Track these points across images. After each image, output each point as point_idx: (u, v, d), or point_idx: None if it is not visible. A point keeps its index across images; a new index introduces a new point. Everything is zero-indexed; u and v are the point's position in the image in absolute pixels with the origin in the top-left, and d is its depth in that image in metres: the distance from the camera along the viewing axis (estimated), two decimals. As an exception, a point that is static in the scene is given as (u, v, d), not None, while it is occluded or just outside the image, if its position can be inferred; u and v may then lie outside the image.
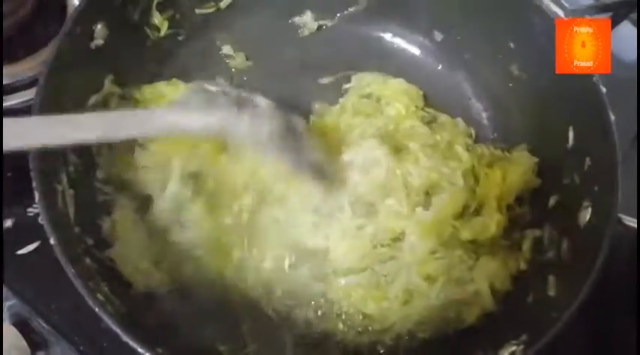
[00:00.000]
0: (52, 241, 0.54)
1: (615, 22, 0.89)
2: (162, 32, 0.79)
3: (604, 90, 0.66)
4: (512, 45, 0.79)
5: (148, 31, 0.78)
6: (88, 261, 0.61)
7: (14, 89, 0.76)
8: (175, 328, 0.68)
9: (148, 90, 0.77)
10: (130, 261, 0.67)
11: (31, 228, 0.72)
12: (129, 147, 0.74)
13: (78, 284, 0.52)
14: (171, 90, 0.78)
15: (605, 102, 0.66)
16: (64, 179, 0.63)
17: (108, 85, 0.72)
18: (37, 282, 0.71)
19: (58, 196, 0.61)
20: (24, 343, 0.68)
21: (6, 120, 0.51)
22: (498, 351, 0.60)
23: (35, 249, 0.73)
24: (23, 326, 0.69)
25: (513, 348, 0.59)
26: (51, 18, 0.84)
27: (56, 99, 0.62)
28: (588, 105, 0.68)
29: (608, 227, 0.60)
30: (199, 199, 0.72)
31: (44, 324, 0.70)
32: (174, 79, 0.80)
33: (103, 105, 0.72)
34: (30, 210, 0.75)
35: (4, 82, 0.75)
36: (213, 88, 0.68)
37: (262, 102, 0.69)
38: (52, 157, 0.61)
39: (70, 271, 0.53)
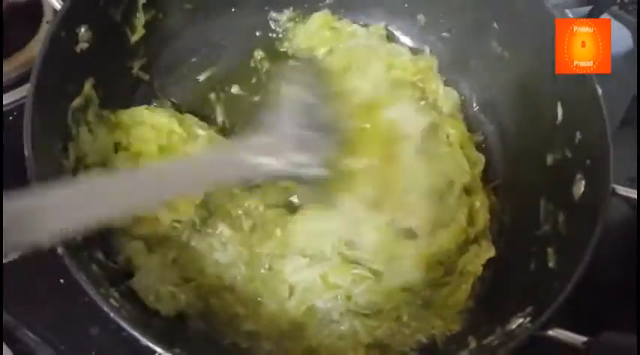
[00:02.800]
0: (59, 251, 0.53)
1: (595, 15, 0.91)
2: (143, 33, 0.78)
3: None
4: (495, 25, 0.81)
5: (129, 32, 0.77)
6: (94, 267, 0.60)
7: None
8: (184, 328, 0.68)
9: (125, 115, 0.75)
10: (151, 288, 0.67)
11: None
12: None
13: (91, 292, 0.52)
14: (149, 115, 0.76)
15: (592, 79, 0.67)
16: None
17: (88, 88, 0.71)
18: (21, 291, 0.69)
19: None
20: (10, 354, 0.66)
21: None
22: (506, 326, 0.61)
23: (18, 258, 0.69)
24: (9, 337, 0.67)
25: (520, 320, 0.60)
26: (26, 19, 0.84)
27: (43, 106, 0.61)
28: (574, 79, 0.69)
29: (603, 198, 0.62)
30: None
31: (30, 334, 0.68)
32: (153, 106, 0.79)
33: (85, 108, 0.70)
34: None
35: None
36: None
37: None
38: (47, 164, 0.61)
39: (81, 278, 0.52)
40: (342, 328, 0.70)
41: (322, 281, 0.71)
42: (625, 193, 0.63)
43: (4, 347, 0.66)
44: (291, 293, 0.71)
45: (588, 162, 0.66)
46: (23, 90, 0.79)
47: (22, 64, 0.81)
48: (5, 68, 0.79)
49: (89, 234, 0.62)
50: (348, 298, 0.70)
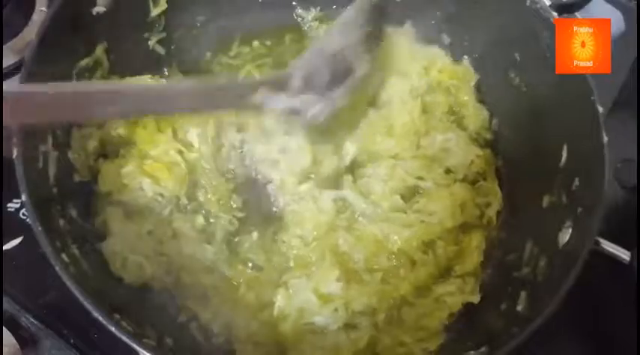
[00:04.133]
0: (23, 197, 0.54)
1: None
2: (165, 7, 0.79)
3: (601, 110, 0.65)
4: (517, 56, 0.78)
5: (151, 5, 0.78)
6: (61, 222, 0.62)
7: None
8: (145, 297, 0.69)
9: (129, 83, 0.76)
10: (120, 255, 0.68)
11: (13, 224, 0.73)
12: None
13: (42, 241, 0.53)
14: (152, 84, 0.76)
15: (600, 126, 0.64)
16: (50, 140, 0.64)
17: (99, 51, 0.72)
18: (22, 277, 0.71)
19: (40, 155, 0.61)
20: (13, 340, 0.67)
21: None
22: (456, 360, 0.59)
23: (18, 245, 0.73)
24: (11, 323, 0.69)
25: (471, 356, 0.58)
26: (18, 6, 0.84)
27: (48, 57, 0.63)
28: (584, 126, 0.67)
29: (583, 251, 0.59)
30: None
31: (32, 319, 0.69)
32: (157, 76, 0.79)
33: (93, 70, 0.72)
34: (10, 205, 0.75)
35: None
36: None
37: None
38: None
39: (36, 227, 0.53)
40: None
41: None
42: (609, 248, 0.59)
43: (7, 334, 0.67)
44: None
45: (580, 210, 0.64)
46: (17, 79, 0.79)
47: (18, 51, 0.81)
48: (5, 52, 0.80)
49: (66, 189, 0.65)
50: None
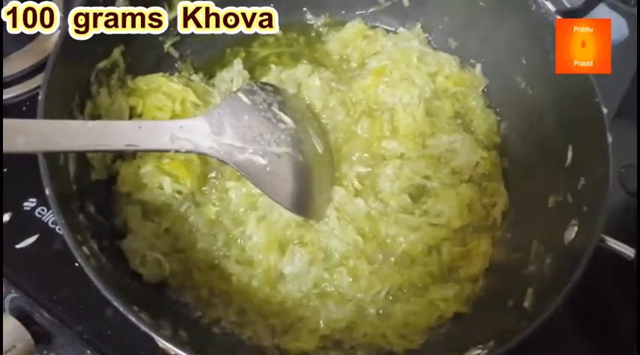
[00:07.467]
0: (47, 191, 0.56)
1: (591, 6, 0.89)
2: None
3: (605, 111, 0.66)
4: (523, 61, 0.80)
5: (167, 8, 0.79)
6: (81, 217, 0.63)
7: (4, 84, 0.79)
8: (161, 292, 0.71)
9: (142, 81, 0.78)
10: (139, 252, 0.70)
11: (29, 222, 0.75)
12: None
13: (66, 235, 0.55)
14: (164, 82, 0.79)
15: (605, 126, 0.66)
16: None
17: (116, 54, 0.75)
18: (37, 275, 0.72)
19: (60, 153, 0.63)
20: (28, 335, 0.69)
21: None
22: (462, 354, 0.61)
23: (34, 242, 0.74)
24: (26, 319, 0.70)
25: (478, 352, 0.59)
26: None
27: (70, 60, 0.65)
28: (589, 127, 0.68)
29: (589, 247, 0.60)
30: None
31: (47, 315, 0.70)
32: (168, 74, 0.82)
33: (110, 72, 0.74)
34: (26, 204, 0.76)
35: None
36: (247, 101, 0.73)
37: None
38: (58, 113, 0.64)
39: (60, 221, 0.55)
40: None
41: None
42: (614, 245, 0.61)
43: (22, 329, 0.69)
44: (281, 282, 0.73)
45: (585, 208, 0.65)
46: (35, 81, 0.82)
47: (34, 55, 0.83)
48: (17, 59, 0.82)
49: (85, 186, 0.67)
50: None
